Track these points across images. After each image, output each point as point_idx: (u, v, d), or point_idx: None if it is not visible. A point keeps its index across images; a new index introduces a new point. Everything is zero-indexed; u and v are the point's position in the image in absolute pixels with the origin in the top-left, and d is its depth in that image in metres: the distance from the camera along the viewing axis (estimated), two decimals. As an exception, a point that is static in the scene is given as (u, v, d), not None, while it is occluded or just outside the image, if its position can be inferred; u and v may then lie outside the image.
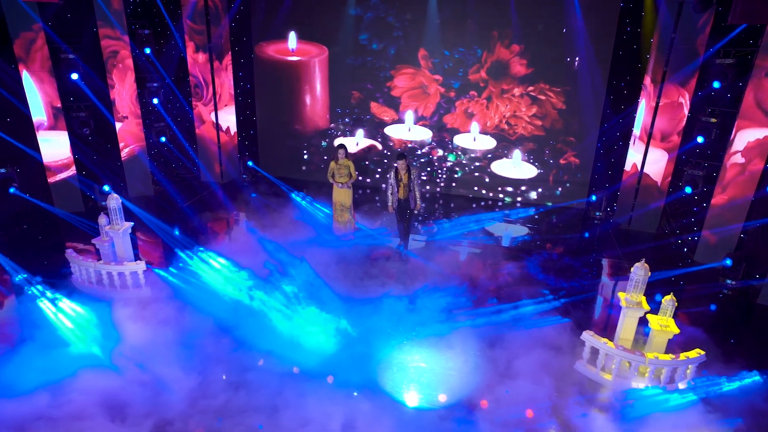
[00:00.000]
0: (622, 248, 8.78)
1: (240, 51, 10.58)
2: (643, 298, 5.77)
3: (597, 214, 9.82)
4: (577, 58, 9.31)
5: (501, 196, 10.64)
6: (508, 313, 6.83)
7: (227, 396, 5.20)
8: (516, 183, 10.51)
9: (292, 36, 10.29)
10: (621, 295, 5.89)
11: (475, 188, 10.72)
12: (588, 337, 5.82)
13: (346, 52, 10.17)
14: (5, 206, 8.51)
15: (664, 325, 5.65)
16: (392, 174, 7.87)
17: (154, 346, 5.78)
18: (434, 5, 9.44)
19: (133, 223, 7.39)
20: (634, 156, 9.35)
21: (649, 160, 9.05)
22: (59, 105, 9.01)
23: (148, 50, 9.54)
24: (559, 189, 10.33)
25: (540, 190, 10.44)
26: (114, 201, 7.07)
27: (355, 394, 5.32)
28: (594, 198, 9.85)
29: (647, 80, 8.83)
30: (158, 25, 9.65)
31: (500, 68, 9.72)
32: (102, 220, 7.22)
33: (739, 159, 7.57)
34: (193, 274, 7.42)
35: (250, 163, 11.22)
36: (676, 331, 5.62)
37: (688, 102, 8.30)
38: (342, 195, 8.36)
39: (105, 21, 9.05)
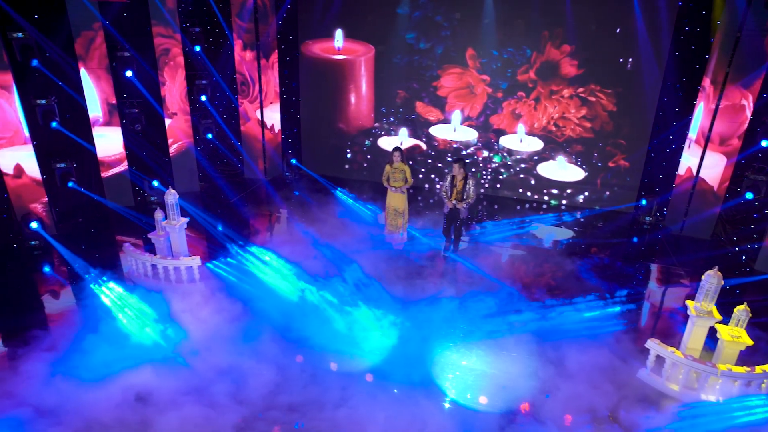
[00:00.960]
0: (675, 254, 8.55)
1: (286, 49, 10.66)
2: (714, 307, 5.59)
3: (647, 218, 9.58)
4: (630, 59, 9.09)
5: (546, 198, 10.48)
6: (561, 317, 6.72)
7: (292, 392, 5.24)
8: (562, 186, 10.32)
9: (339, 34, 10.30)
10: (689, 303, 5.72)
11: (520, 190, 10.58)
12: (654, 345, 5.67)
13: (392, 51, 10.13)
14: (64, 200, 8.74)
15: (736, 336, 5.46)
16: (448, 179, 7.71)
17: (217, 340, 5.88)
18: (485, 4, 9.32)
19: (188, 219, 7.49)
20: (689, 160, 9.09)
21: (705, 164, 8.78)
22: (114, 101, 9.22)
23: (198, 48, 9.68)
24: (607, 192, 10.11)
25: (587, 193, 10.23)
26: (172, 196, 7.18)
27: (413, 394, 5.31)
28: (644, 202, 9.61)
29: (706, 82, 8.56)
30: (208, 23, 9.77)
31: (550, 69, 9.55)
32: (158, 215, 7.32)
33: (807, 165, 7.28)
34: (245, 270, 7.51)
35: (293, 161, 11.30)
36: (749, 342, 5.42)
37: (751, 104, 8.01)
38: (396, 199, 8.17)
39: (158, 19, 9.20)
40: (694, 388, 5.52)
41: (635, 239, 9.18)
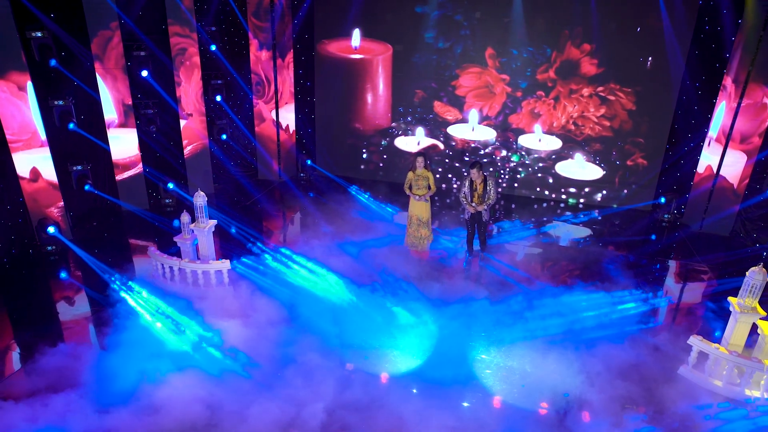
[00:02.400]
0: (696, 251, 8.64)
1: (302, 49, 10.54)
2: (758, 304, 5.63)
3: (665, 216, 9.65)
4: (650, 58, 9.15)
5: (564, 197, 10.50)
6: (592, 315, 6.72)
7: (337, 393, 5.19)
8: (580, 184, 10.36)
9: (356, 34, 10.21)
10: (732, 299, 5.75)
11: (538, 189, 10.59)
12: (696, 341, 5.69)
13: (411, 51, 10.06)
14: (80, 203, 8.52)
15: (779, 331, 5.50)
16: (466, 183, 7.55)
17: (260, 343, 5.80)
18: (506, 4, 9.29)
19: (216, 221, 7.34)
20: (708, 158, 9.17)
21: (725, 161, 8.87)
22: (130, 102, 9.01)
23: (213, 47, 9.53)
24: (625, 191, 10.17)
25: (605, 192, 10.28)
26: (201, 198, 7.02)
27: (453, 394, 5.31)
28: (663, 200, 9.68)
29: (728, 80, 8.65)
30: (223, 22, 9.63)
31: (570, 68, 9.57)
32: (185, 217, 7.16)
33: (832, 161, 7.39)
34: (272, 272, 7.40)
35: (308, 162, 11.18)
36: (793, 337, 5.47)
37: (773, 103, 8.11)
38: (419, 208, 7.81)
39: (174, 19, 9.02)
40: (737, 384, 5.56)
41: (653, 236, 9.25)
